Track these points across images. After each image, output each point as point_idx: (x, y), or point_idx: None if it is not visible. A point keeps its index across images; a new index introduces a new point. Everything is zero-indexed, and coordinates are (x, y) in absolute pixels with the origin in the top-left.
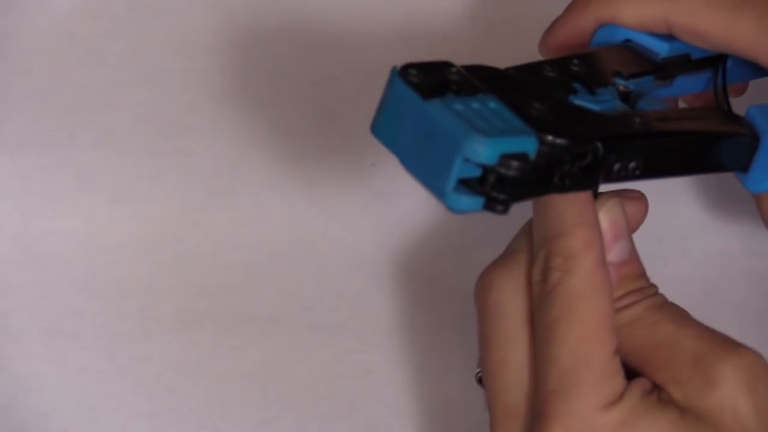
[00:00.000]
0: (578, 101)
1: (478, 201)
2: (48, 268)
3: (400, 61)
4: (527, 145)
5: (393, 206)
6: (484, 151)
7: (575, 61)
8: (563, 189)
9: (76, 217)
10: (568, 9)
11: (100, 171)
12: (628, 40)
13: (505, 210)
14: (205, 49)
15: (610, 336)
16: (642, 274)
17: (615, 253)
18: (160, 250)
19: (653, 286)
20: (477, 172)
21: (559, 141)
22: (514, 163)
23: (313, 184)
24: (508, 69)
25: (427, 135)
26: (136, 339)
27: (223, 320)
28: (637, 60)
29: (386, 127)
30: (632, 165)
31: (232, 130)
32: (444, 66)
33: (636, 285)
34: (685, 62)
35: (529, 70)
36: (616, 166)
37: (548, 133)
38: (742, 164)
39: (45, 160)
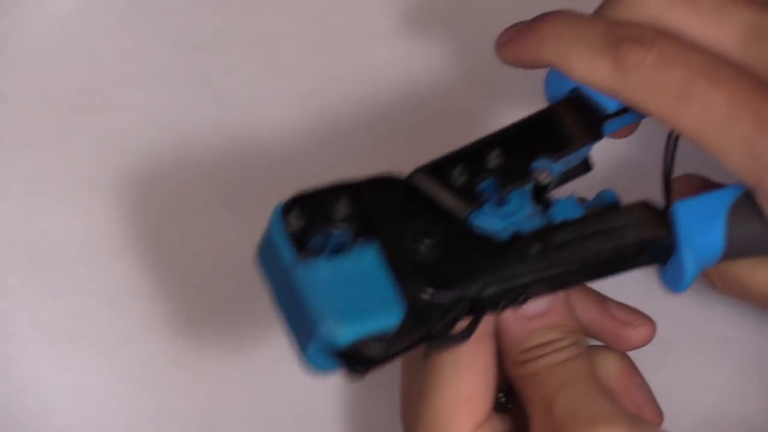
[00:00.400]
0: (479, 221)
1: (335, 367)
2: (48, 268)
3: (400, 61)
4: (388, 321)
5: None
6: (338, 337)
7: (497, 152)
8: (432, 346)
9: (76, 217)
10: (523, 39)
11: (100, 171)
12: (576, 89)
13: (363, 376)
14: (205, 49)
15: (471, 412)
16: (558, 325)
17: (526, 306)
18: (159, 250)
19: (570, 336)
20: (342, 347)
21: (431, 298)
22: (371, 344)
23: (313, 184)
24: (416, 172)
25: (295, 296)
26: (136, 339)
27: (223, 320)
28: (578, 126)
29: (266, 259)
30: (522, 297)
31: (232, 130)
32: (334, 197)
33: (546, 338)
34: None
35: (439, 174)
36: (502, 303)
37: (421, 290)
38: (659, 260)
39: (45, 160)
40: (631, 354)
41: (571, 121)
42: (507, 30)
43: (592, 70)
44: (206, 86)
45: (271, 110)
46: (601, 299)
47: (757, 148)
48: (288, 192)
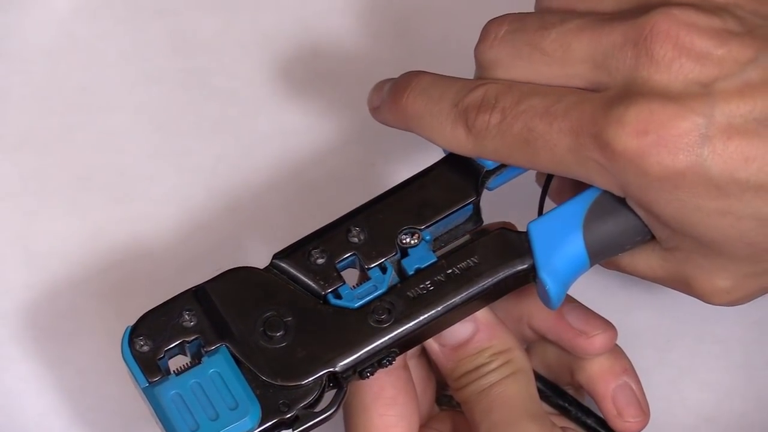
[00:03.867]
0: (336, 302)
1: None
2: (48, 268)
3: (399, 61)
4: (245, 425)
5: None
6: None
7: (356, 230)
8: (298, 428)
9: (76, 217)
10: (388, 110)
11: (100, 171)
12: None
13: None
14: (205, 49)
15: None
16: (483, 349)
17: (449, 336)
18: (159, 250)
19: (498, 358)
20: None
21: (284, 389)
22: None
23: (313, 184)
24: (275, 257)
25: (157, 414)
26: None
27: None
28: (452, 188)
29: (135, 389)
30: (386, 359)
31: (232, 130)
32: (180, 308)
33: (472, 365)
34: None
35: (299, 257)
36: (367, 369)
37: (273, 385)
38: (527, 282)
39: (45, 160)
40: (632, 354)
41: (446, 183)
42: (375, 91)
43: (452, 140)
44: (206, 86)
45: (270, 110)
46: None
47: (612, 170)
48: (290, 188)
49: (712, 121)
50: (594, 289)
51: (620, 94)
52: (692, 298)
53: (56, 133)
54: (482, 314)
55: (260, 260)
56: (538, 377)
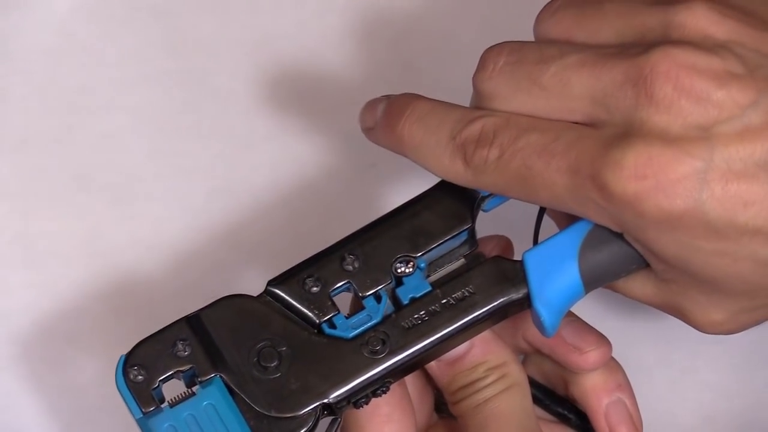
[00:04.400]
0: (331, 331)
1: None
2: (48, 268)
3: (398, 62)
4: None
5: (393, 206)
6: None
7: (350, 257)
8: None
9: (76, 217)
10: (383, 133)
11: (100, 171)
12: None
13: None
14: (204, 49)
15: None
16: (478, 364)
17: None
18: (159, 250)
19: (493, 372)
20: None
21: (279, 421)
22: None
23: (313, 184)
24: (269, 284)
25: None
26: (136, 339)
27: None
28: (447, 214)
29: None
30: (380, 390)
31: (232, 130)
32: (174, 337)
33: (467, 379)
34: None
35: (293, 285)
36: (362, 400)
37: (267, 416)
38: (522, 309)
39: (45, 160)
40: (632, 353)
41: (441, 210)
42: (368, 111)
43: (450, 172)
44: (204, 87)
45: (270, 110)
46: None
47: (610, 211)
48: (290, 188)
49: (711, 166)
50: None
51: (619, 135)
52: None
53: (56, 133)
54: None
55: (260, 260)
56: (537, 385)
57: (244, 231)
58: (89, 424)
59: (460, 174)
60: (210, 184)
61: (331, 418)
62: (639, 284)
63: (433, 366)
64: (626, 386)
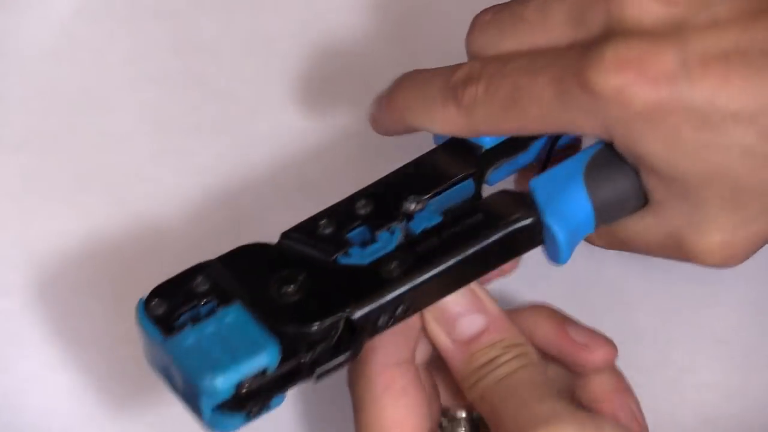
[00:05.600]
0: (345, 260)
1: (238, 418)
2: (48, 268)
3: (401, 62)
4: (264, 359)
5: None
6: (218, 386)
7: (363, 201)
8: (319, 372)
9: (76, 217)
10: (384, 114)
11: (100, 171)
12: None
13: (265, 411)
14: (205, 49)
15: None
16: (496, 342)
17: (461, 331)
18: (159, 250)
19: (511, 349)
20: (228, 394)
21: (300, 332)
22: (256, 381)
23: (313, 184)
24: (285, 233)
25: (177, 371)
26: (136, 339)
27: None
28: (452, 164)
29: (150, 355)
30: (399, 310)
31: (232, 130)
32: (190, 279)
33: (486, 357)
34: (510, 145)
35: (308, 230)
36: (381, 320)
37: (288, 327)
38: (536, 243)
39: (45, 160)
40: (632, 353)
41: (446, 161)
42: (373, 104)
43: (447, 122)
44: (206, 87)
45: (270, 110)
46: (561, 321)
47: (596, 111)
48: (290, 188)
49: (688, 50)
50: (595, 290)
51: (599, 39)
52: (692, 298)
53: (56, 133)
54: (493, 307)
55: None
56: None
57: (244, 232)
58: (89, 424)
59: (454, 119)
60: (211, 184)
61: (348, 353)
62: (637, 222)
63: (449, 347)
64: (631, 391)
